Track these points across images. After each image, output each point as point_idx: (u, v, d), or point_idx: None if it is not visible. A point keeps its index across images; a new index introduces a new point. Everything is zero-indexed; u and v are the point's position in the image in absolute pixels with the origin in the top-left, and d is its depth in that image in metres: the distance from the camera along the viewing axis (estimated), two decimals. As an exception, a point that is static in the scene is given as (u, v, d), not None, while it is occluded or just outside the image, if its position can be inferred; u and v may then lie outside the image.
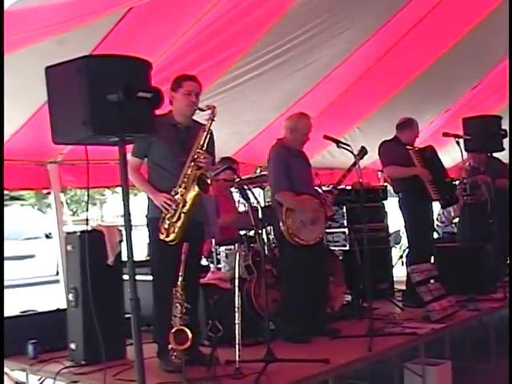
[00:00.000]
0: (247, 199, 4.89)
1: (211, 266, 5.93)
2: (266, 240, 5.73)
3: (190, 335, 3.95)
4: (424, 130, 6.80)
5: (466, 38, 7.47)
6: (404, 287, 6.63)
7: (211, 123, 4.45)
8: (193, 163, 4.35)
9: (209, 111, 4.45)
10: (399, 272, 7.50)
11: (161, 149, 4.45)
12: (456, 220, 9.17)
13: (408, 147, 6.33)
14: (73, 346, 4.67)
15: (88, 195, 4.25)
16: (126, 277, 4.48)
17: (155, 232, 4.39)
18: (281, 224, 5.22)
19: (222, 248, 5.83)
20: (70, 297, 4.71)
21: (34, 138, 5.80)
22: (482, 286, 6.40)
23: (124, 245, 3.77)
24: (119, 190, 3.47)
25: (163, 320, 4.23)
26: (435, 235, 8.46)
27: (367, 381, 5.27)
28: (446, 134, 6.34)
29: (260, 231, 5.31)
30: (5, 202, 15.16)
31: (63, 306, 4.96)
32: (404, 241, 10.57)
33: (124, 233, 3.49)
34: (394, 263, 7.63)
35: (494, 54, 8.16)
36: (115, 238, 4.79)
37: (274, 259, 5.63)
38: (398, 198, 6.53)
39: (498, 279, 6.65)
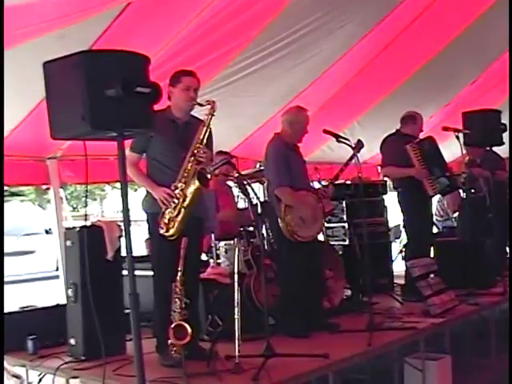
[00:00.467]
0: (246, 194, 4.89)
1: (211, 261, 5.93)
2: (265, 235, 5.73)
3: (189, 330, 3.95)
4: (424, 124, 6.78)
5: (465, 32, 7.45)
6: (404, 281, 6.64)
7: (211, 118, 4.44)
8: (193, 158, 4.35)
9: (208, 106, 4.45)
10: (399, 266, 7.50)
11: (160, 144, 4.45)
12: (455, 214, 9.17)
13: (408, 142, 6.33)
14: (72, 341, 4.67)
15: (86, 191, 4.28)
16: (125, 272, 4.48)
17: (155, 227, 4.39)
18: (279, 220, 5.22)
19: (222, 243, 5.84)
20: (70, 292, 4.70)
21: (33, 134, 5.78)
22: (481, 281, 6.39)
23: (123, 240, 3.77)
24: (119, 185, 3.46)
25: (163, 315, 4.23)
26: (435, 230, 8.47)
27: (367, 375, 5.27)
28: (445, 129, 6.33)
29: (260, 226, 5.31)
30: (5, 198, 15.14)
31: (63, 301, 4.96)
32: (404, 235, 10.56)
33: (123, 228, 3.49)
34: (393, 258, 7.62)
35: (494, 48, 8.14)
36: (114, 234, 4.79)
37: (274, 254, 5.62)
38: (396, 193, 6.54)
39: (498, 273, 6.65)
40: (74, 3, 4.19)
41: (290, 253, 5.27)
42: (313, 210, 5.34)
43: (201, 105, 4.47)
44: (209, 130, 4.46)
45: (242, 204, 6.71)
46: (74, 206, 30.11)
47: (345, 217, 6.93)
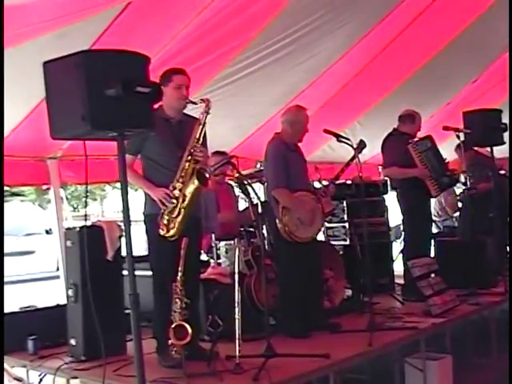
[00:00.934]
0: (247, 194, 4.88)
1: (211, 261, 5.92)
2: (265, 235, 5.72)
3: (189, 330, 3.95)
4: (424, 123, 6.78)
5: (466, 31, 7.45)
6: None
7: (206, 116, 4.42)
8: (190, 157, 4.34)
9: (203, 104, 4.42)
10: (400, 266, 7.49)
11: (156, 145, 4.41)
12: (456, 214, 9.17)
13: (408, 141, 6.32)
14: (73, 341, 4.67)
15: (86, 191, 4.25)
16: (125, 272, 4.47)
17: (154, 228, 4.38)
18: (277, 221, 5.21)
19: (222, 243, 5.83)
20: (70, 292, 4.71)
21: (33, 134, 5.78)
22: (482, 280, 6.38)
23: (123, 240, 3.77)
24: (119, 185, 3.45)
25: (163, 315, 4.23)
26: (435, 229, 8.47)
27: (368, 375, 5.27)
28: (446, 128, 6.33)
29: (260, 226, 5.31)
30: (5, 198, 15.15)
31: (63, 301, 4.95)
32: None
33: (123, 228, 3.49)
34: (394, 257, 7.62)
35: (495, 48, 8.14)
36: (115, 233, 4.78)
37: (274, 254, 5.62)
38: (395, 192, 6.54)
39: (499, 273, 6.64)
40: (74, 3, 4.18)
41: (289, 253, 5.26)
42: (311, 211, 5.32)
43: (194, 103, 4.43)
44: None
45: (242, 205, 6.70)
46: (75, 206, 30.07)
47: (345, 217, 6.92)
